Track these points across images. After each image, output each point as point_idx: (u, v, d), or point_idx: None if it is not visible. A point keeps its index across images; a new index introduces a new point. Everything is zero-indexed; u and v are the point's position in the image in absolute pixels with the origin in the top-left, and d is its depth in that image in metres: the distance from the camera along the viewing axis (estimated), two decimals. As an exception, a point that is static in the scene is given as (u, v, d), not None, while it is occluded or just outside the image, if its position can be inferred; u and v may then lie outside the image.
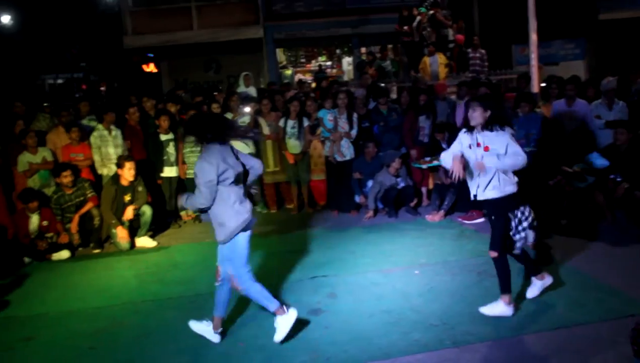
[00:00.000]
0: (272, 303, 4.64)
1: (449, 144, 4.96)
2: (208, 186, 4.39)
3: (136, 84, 20.03)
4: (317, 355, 4.45)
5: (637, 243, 6.50)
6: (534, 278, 5.07)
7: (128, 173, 7.64)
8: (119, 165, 7.68)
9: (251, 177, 4.87)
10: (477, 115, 4.68)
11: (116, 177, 7.74)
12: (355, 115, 8.75)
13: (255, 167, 4.87)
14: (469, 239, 7.10)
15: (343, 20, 18.98)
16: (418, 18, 13.94)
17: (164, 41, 18.44)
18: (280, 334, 4.57)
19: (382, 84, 10.80)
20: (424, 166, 8.44)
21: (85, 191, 7.83)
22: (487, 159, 4.64)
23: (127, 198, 7.75)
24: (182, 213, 8.77)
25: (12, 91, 19.89)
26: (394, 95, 11.43)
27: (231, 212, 4.51)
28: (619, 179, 7.15)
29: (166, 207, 8.62)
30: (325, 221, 8.46)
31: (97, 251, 7.78)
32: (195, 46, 18.61)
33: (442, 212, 8.06)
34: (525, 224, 4.80)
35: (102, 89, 27.80)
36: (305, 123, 8.82)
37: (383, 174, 8.33)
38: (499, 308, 4.81)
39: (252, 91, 12.07)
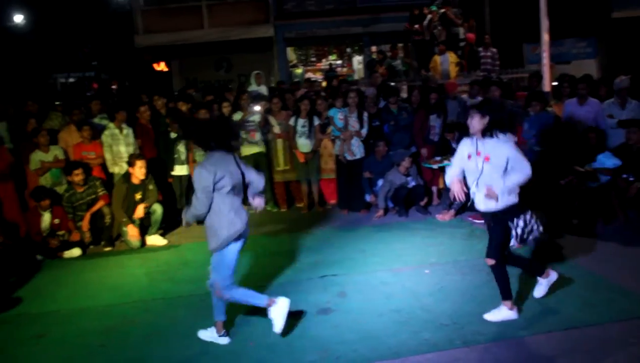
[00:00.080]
0: (260, 300, 4.67)
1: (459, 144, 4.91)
2: (204, 192, 4.42)
3: (147, 82, 20.12)
4: (327, 354, 4.45)
5: (649, 243, 6.46)
6: (539, 278, 5.03)
7: (139, 171, 7.67)
8: (130, 163, 7.71)
9: (251, 191, 4.86)
10: (474, 123, 4.56)
11: (127, 176, 7.77)
12: (365, 114, 8.74)
13: (255, 182, 4.84)
14: (480, 239, 7.06)
15: (354, 18, 18.96)
16: (429, 17, 13.89)
17: (174, 40, 18.49)
18: (278, 325, 4.58)
19: (392, 83, 10.79)
20: (435, 166, 8.41)
21: (96, 189, 7.87)
22: (488, 171, 4.52)
23: (138, 196, 7.78)
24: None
25: (24, 90, 20.04)
26: (404, 95, 11.40)
27: (225, 221, 4.51)
28: (631, 179, 7.10)
29: (177, 205, 8.65)
30: (335, 220, 8.46)
31: (108, 249, 7.82)
32: (205, 45, 18.65)
33: (452, 211, 8.04)
34: (531, 235, 4.75)
35: (114, 87, 27.95)
36: (316, 122, 8.82)
37: (393, 172, 8.31)
38: (502, 313, 4.79)
39: (263, 90, 12.10)
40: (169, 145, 8.55)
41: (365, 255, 6.73)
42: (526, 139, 7.98)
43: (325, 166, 8.98)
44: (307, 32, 19.31)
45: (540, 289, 5.03)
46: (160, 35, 18.51)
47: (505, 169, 4.49)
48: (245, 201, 4.77)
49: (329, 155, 8.92)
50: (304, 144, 8.77)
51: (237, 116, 9.10)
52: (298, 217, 8.85)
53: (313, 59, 21.06)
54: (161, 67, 20.70)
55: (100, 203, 7.81)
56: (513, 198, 4.60)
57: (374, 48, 19.38)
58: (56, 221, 7.63)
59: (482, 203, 4.69)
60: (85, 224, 7.72)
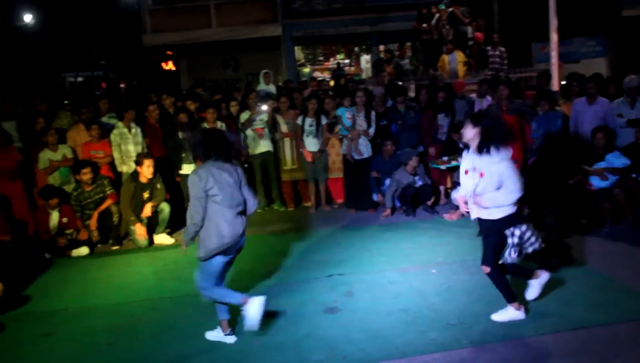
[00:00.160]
0: (236, 298, 4.67)
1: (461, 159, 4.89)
2: (196, 198, 4.47)
3: (155, 81, 20.18)
4: (334, 353, 4.45)
5: (659, 243, 6.42)
6: (529, 280, 4.95)
7: (147, 170, 7.69)
8: (138, 162, 7.73)
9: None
10: (466, 132, 4.56)
11: (135, 174, 7.79)
12: (373, 113, 8.73)
13: (249, 204, 4.80)
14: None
15: (362, 17, 18.96)
16: (437, 15, 13.87)
17: (183, 39, 18.55)
18: (250, 322, 4.56)
19: (400, 82, 10.77)
20: (443, 167, 8.39)
21: (104, 188, 7.89)
22: (482, 186, 4.52)
23: (146, 195, 7.81)
24: None
25: (34, 89, 20.15)
26: (412, 94, 11.39)
27: (213, 231, 4.51)
28: (640, 179, 7.06)
29: (184, 204, 8.65)
30: (342, 219, 8.45)
31: (115, 248, 7.85)
32: (213, 44, 18.69)
33: (459, 211, 7.99)
34: (531, 247, 4.71)
35: (122, 86, 28.05)
36: (323, 121, 8.82)
37: (400, 172, 8.30)
38: (510, 313, 4.77)
39: (272, 89, 12.11)
40: (176, 144, 8.56)
41: (372, 255, 6.73)
42: (534, 138, 7.95)
43: (333, 165, 8.98)
44: (315, 31, 19.31)
45: (532, 291, 4.93)
46: (168, 34, 18.57)
47: (499, 186, 4.48)
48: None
49: (337, 154, 8.92)
50: (311, 143, 8.77)
51: (244, 115, 9.12)
52: (305, 216, 8.85)
53: (321, 58, 21.04)
54: (169, 66, 20.76)
55: (108, 202, 7.84)
56: (509, 210, 4.55)
57: (381, 47, 19.35)
58: (64, 220, 7.66)
59: (476, 212, 4.69)
60: (93, 223, 7.75)
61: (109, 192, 7.89)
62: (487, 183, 4.49)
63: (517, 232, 4.61)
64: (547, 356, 4.22)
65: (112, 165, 8.44)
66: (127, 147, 8.32)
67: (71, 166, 8.07)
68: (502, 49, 13.30)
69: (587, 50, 17.28)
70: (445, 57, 12.99)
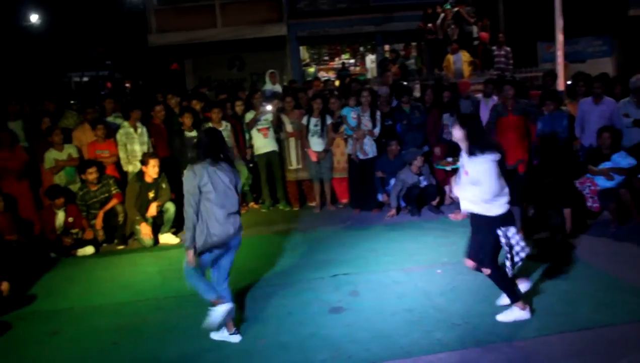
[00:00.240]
0: (210, 295, 4.73)
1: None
2: (190, 194, 4.55)
3: (160, 81, 20.22)
4: (339, 353, 4.45)
5: (665, 243, 6.39)
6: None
7: (152, 170, 7.71)
8: (143, 162, 7.74)
9: None
10: (454, 131, 4.71)
11: (140, 174, 7.81)
12: (378, 113, 8.72)
13: None
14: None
15: (367, 17, 18.94)
16: (442, 15, 13.85)
17: (188, 39, 18.56)
18: (211, 321, 4.64)
19: (405, 82, 10.75)
20: (448, 168, 8.35)
21: (109, 188, 7.91)
22: (464, 183, 4.67)
23: (151, 195, 7.82)
24: None
25: (39, 89, 20.22)
26: (417, 94, 11.37)
27: (204, 230, 4.58)
28: (646, 178, 7.03)
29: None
30: (347, 219, 8.45)
31: (121, 247, 7.87)
32: (219, 44, 18.70)
33: (464, 211, 7.97)
34: (522, 253, 4.71)
35: (127, 86, 28.12)
36: (328, 121, 8.81)
37: (405, 172, 8.29)
38: (515, 314, 4.77)
39: (278, 88, 12.11)
40: (182, 144, 8.57)
41: (377, 255, 6.72)
42: (539, 138, 7.92)
43: (338, 165, 8.97)
44: (320, 31, 19.30)
45: (505, 298, 4.96)
46: (173, 34, 18.58)
47: (477, 184, 4.57)
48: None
49: (342, 154, 8.91)
50: (316, 143, 8.77)
51: (249, 115, 9.12)
52: (310, 215, 8.85)
53: (326, 58, 21.02)
54: (174, 66, 20.82)
55: (113, 202, 7.86)
56: (496, 209, 4.60)
57: (387, 47, 19.34)
58: (70, 219, 7.69)
59: (464, 205, 4.83)
60: (98, 222, 7.77)
61: (114, 192, 7.92)
62: (468, 181, 4.62)
63: (509, 234, 4.64)
64: (552, 357, 4.21)
65: (117, 164, 8.46)
66: (133, 147, 8.33)
67: (77, 166, 8.10)
68: (508, 48, 13.26)
69: (594, 50, 17.22)
70: (451, 57, 12.96)
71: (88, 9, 27.97)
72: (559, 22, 9.83)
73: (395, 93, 9.51)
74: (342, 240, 7.38)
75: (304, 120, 8.80)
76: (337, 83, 15.61)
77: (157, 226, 7.96)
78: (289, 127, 8.95)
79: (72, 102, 10.83)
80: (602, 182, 7.18)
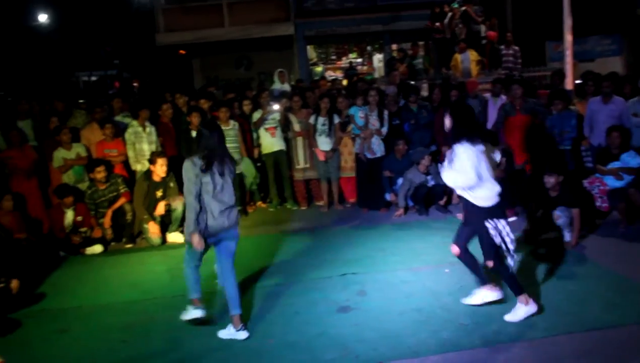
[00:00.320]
0: (192, 292, 4.93)
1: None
2: (192, 181, 4.65)
3: (168, 80, 20.27)
4: (346, 352, 4.45)
5: (675, 244, 6.35)
6: (478, 288, 5.01)
7: (160, 169, 7.73)
8: (151, 161, 7.77)
9: None
10: (445, 120, 4.79)
11: (148, 173, 7.84)
12: (386, 113, 8.71)
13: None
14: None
15: (374, 17, 18.93)
16: (450, 14, 13.82)
17: (195, 38, 18.61)
18: (184, 316, 4.94)
19: (412, 82, 10.73)
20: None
21: (118, 186, 7.94)
22: (446, 168, 4.73)
23: (159, 194, 7.84)
24: None
25: (48, 88, 20.32)
26: (425, 93, 11.35)
27: (199, 221, 4.67)
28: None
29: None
30: (354, 218, 8.44)
31: (129, 246, 7.90)
32: (226, 43, 18.75)
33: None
34: (511, 245, 4.72)
35: (135, 85, 28.21)
36: (336, 120, 8.81)
37: (413, 171, 8.28)
38: (521, 310, 4.74)
39: (286, 88, 12.10)
40: (190, 143, 8.58)
41: (385, 254, 6.71)
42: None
43: (345, 164, 8.97)
44: (328, 30, 19.31)
45: (474, 298, 4.99)
46: (181, 33, 18.65)
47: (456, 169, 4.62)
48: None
49: (349, 153, 8.90)
50: (324, 142, 8.77)
51: (256, 114, 9.13)
52: (318, 215, 8.85)
53: (333, 57, 21.04)
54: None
55: (121, 201, 7.89)
56: (482, 201, 4.65)
57: (394, 46, 19.31)
58: (79, 218, 7.72)
59: (457, 191, 4.90)
60: (107, 221, 7.80)
61: (122, 191, 7.94)
62: (449, 167, 4.69)
63: (499, 226, 4.65)
64: (560, 357, 4.19)
65: (125, 163, 8.49)
66: (141, 146, 8.35)
67: (85, 165, 8.13)
68: (516, 47, 13.21)
69: (603, 49, 17.10)
70: (458, 56, 12.93)
71: (96, 9, 28.08)
72: (568, 21, 9.79)
73: (403, 92, 9.50)
74: (349, 240, 7.37)
75: (312, 120, 8.80)
76: (344, 82, 15.61)
77: (165, 225, 7.97)
78: (296, 127, 8.96)
79: (80, 101, 10.85)
80: (611, 182, 7.15)
